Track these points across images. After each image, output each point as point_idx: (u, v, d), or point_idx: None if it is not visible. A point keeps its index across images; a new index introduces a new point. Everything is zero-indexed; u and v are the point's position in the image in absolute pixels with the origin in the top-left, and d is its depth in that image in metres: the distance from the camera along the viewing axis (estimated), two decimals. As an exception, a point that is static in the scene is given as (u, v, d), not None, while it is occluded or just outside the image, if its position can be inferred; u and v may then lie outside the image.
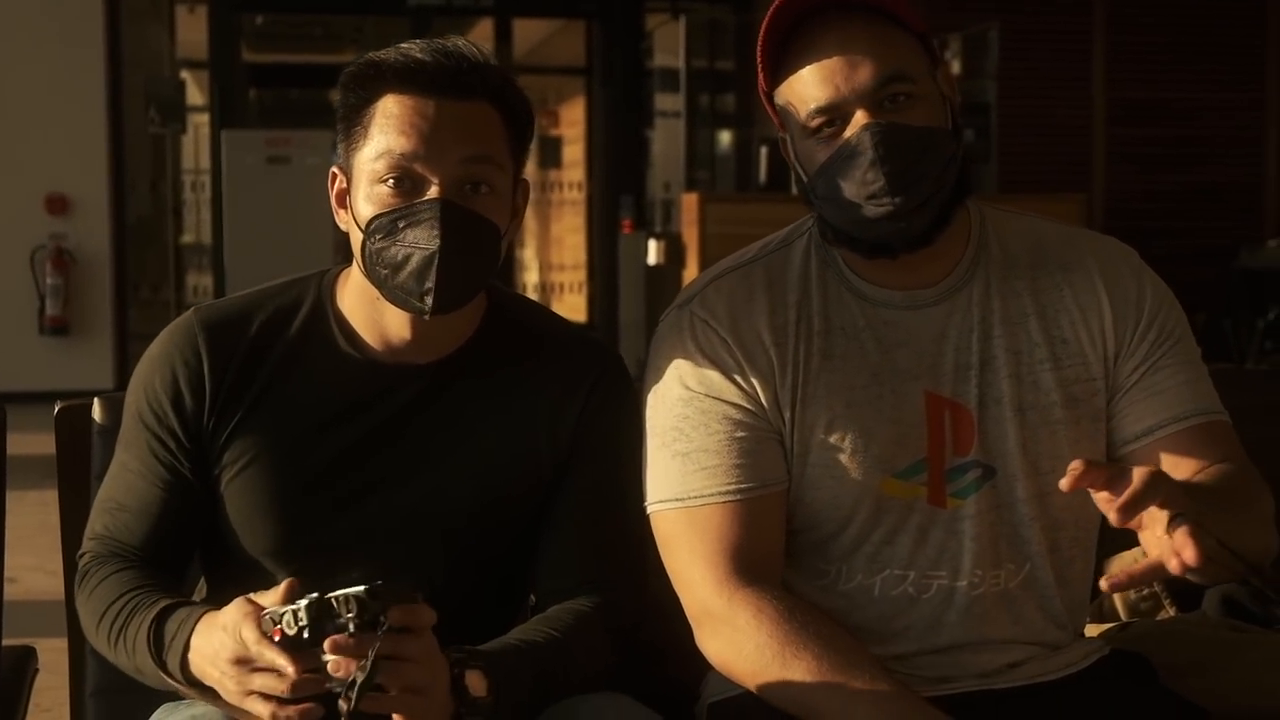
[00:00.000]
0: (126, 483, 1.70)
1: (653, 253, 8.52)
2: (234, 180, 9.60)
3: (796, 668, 1.58)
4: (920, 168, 1.61)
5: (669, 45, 11.30)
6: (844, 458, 1.66)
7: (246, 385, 1.69)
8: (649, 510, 1.70)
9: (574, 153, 13.20)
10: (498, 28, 11.53)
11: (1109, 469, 1.39)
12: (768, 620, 1.60)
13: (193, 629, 1.54)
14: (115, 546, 1.69)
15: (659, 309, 2.30)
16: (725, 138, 11.63)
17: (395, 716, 1.45)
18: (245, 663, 1.46)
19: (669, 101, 11.46)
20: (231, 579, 1.67)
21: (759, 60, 1.66)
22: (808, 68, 1.62)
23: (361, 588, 1.42)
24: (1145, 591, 2.11)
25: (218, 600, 1.55)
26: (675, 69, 11.06)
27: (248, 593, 1.50)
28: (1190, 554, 1.33)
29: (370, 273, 1.65)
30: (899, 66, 1.61)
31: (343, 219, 1.69)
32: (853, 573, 1.69)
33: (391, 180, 1.61)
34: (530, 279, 14.62)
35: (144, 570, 1.67)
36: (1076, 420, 1.69)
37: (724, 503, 1.65)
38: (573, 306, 12.98)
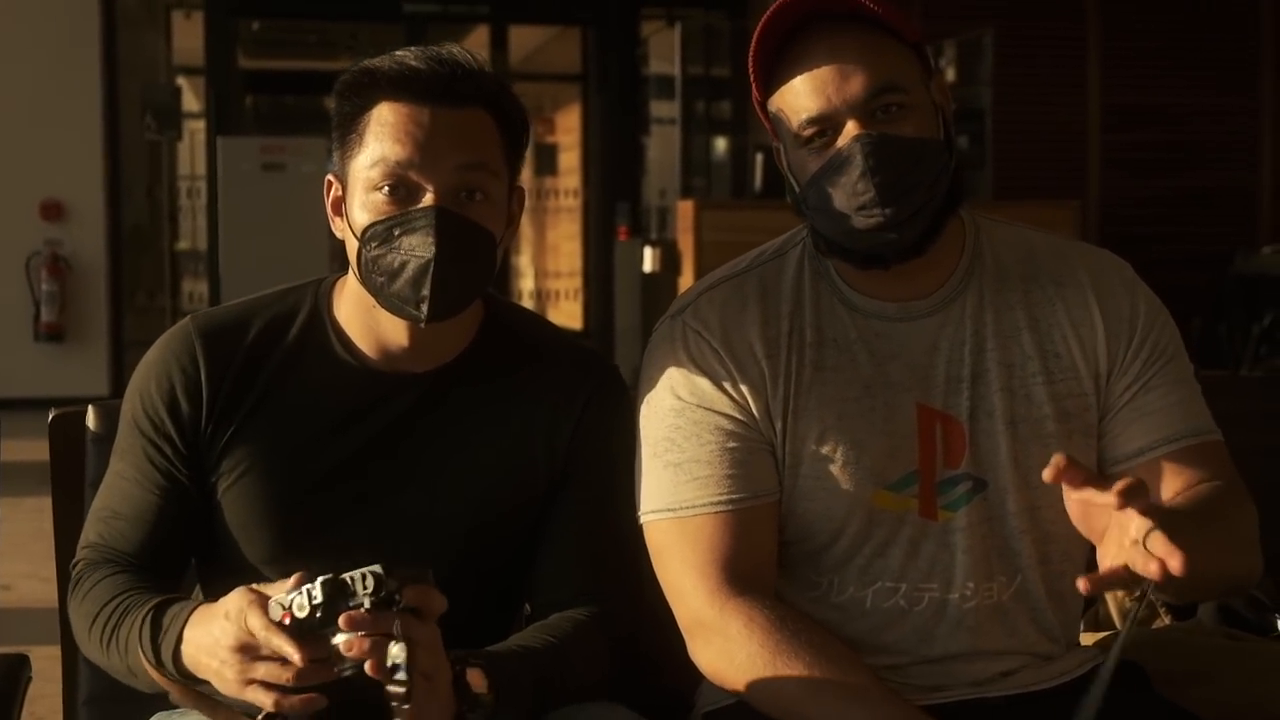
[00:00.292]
0: (122, 490, 1.70)
1: (648, 260, 8.50)
2: (230, 187, 9.57)
3: (789, 676, 1.58)
4: (911, 179, 1.61)
5: (664, 52, 11.28)
6: (835, 469, 1.66)
7: (243, 393, 1.69)
8: (641, 520, 1.70)
9: (569, 160, 13.18)
10: (493, 35, 11.51)
11: (1088, 471, 1.40)
12: (759, 629, 1.60)
13: (186, 620, 1.53)
14: (110, 553, 1.69)
15: (654, 316, 2.30)
16: (721, 144, 11.60)
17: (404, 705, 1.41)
18: (248, 650, 1.44)
19: (664, 108, 11.45)
20: (227, 587, 1.64)
21: (751, 70, 1.66)
22: (799, 78, 1.62)
23: (377, 565, 1.40)
24: (1138, 593, 2.11)
25: (213, 607, 1.54)
26: (670, 76, 11.03)
27: (244, 599, 1.49)
28: (1176, 562, 1.32)
29: (366, 280, 1.65)
30: (891, 77, 1.61)
31: (338, 226, 1.69)
32: (845, 585, 1.69)
33: (387, 188, 1.61)
34: (526, 286, 14.60)
35: (139, 574, 1.66)
36: (1068, 434, 1.69)
37: (716, 513, 1.65)
38: (568, 313, 12.97)
